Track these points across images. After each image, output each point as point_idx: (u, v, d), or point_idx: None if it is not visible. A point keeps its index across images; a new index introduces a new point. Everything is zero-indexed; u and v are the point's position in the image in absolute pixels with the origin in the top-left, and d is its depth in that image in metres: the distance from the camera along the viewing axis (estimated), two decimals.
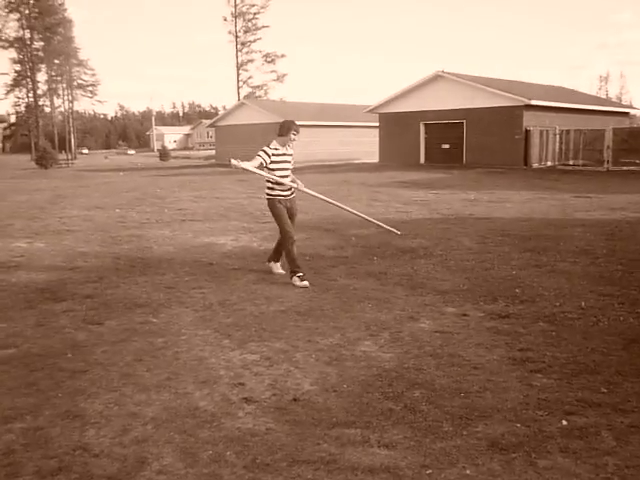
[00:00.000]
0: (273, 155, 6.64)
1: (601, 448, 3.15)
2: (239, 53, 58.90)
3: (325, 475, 2.92)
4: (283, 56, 61.27)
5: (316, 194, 7.28)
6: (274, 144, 6.72)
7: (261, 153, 6.62)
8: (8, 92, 62.99)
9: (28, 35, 57.94)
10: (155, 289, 6.51)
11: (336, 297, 6.12)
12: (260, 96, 58.98)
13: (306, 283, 6.65)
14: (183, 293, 6.35)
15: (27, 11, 57.62)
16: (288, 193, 6.87)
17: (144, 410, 3.64)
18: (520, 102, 26.50)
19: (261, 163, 6.58)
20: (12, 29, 58.93)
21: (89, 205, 14.90)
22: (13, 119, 76.03)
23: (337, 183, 20.39)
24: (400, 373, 4.15)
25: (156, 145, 72.35)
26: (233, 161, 6.25)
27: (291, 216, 6.91)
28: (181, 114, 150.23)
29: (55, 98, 65.49)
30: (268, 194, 6.86)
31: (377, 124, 33.89)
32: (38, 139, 54.11)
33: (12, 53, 59.08)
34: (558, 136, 26.60)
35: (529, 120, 26.84)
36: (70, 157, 56.73)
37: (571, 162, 26.14)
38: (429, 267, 7.42)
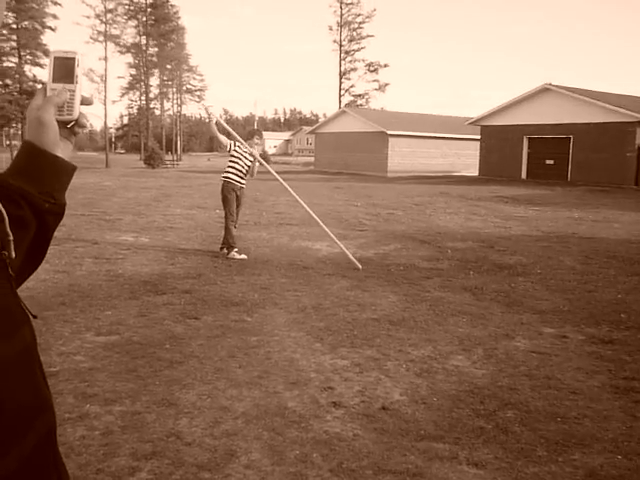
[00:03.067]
0: (238, 147, 8.46)
1: None
2: (342, 62, 59.45)
3: None
4: (386, 66, 60.97)
5: (270, 169, 8.92)
6: (245, 144, 8.55)
7: (231, 141, 8.54)
8: (123, 95, 66.59)
9: (144, 41, 61.01)
10: (250, 289, 6.66)
11: (430, 309, 6.03)
12: (361, 105, 59.17)
13: (244, 256, 8.23)
14: (277, 295, 6.46)
15: (144, 18, 60.68)
16: (238, 180, 8.51)
17: (235, 405, 3.73)
18: (634, 118, 25.14)
19: (229, 144, 8.49)
20: (130, 35, 62.46)
21: (191, 204, 15.47)
22: (126, 120, 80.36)
23: (435, 195, 20.12)
24: (493, 391, 4.03)
25: (257, 150, 74.32)
26: (214, 113, 8.07)
27: (238, 203, 8.59)
28: (282, 120, 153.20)
29: (165, 101, 68.70)
30: (223, 177, 8.56)
31: (478, 137, 33.21)
32: (147, 140, 56.83)
33: (128, 58, 62.43)
34: None
35: None
36: (176, 158, 59.24)
37: None
38: (527, 285, 7.17)
